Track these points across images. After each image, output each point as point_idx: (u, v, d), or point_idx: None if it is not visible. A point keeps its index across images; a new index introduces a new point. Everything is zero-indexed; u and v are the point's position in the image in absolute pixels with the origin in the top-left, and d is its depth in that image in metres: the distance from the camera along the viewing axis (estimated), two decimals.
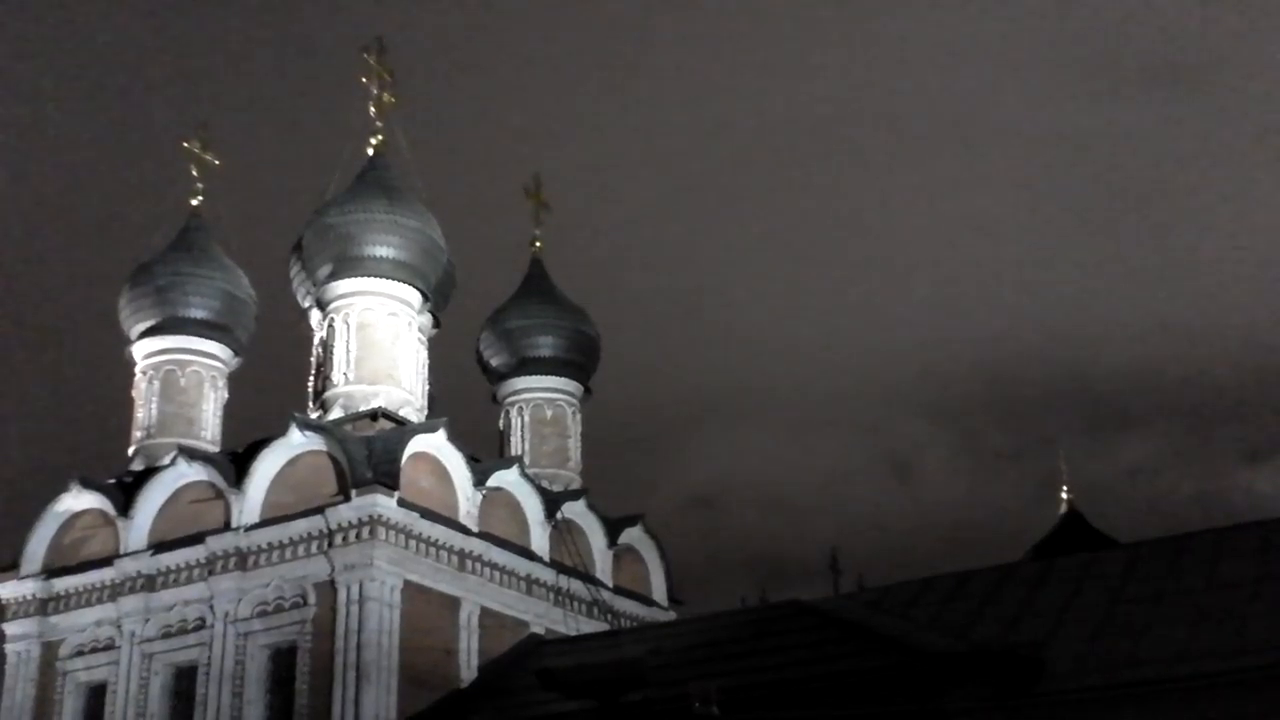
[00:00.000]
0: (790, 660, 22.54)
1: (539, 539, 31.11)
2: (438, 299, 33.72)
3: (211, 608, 28.59)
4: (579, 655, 24.99)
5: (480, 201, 54.24)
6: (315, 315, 33.09)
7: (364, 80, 34.34)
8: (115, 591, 30.03)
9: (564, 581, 31.25)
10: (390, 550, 27.29)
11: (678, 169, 72.79)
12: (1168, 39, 68.12)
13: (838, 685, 20.95)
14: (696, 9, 73.76)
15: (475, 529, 29.34)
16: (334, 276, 31.94)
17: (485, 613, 29.12)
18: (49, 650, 30.74)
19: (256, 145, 59.13)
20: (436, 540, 28.34)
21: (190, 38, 74.57)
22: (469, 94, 70.55)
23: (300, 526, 27.93)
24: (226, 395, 35.07)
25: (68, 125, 70.19)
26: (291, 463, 28.99)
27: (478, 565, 29.19)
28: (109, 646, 29.87)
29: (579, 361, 36.52)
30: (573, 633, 30.69)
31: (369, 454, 28.07)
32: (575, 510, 32.47)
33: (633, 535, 34.14)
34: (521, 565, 30.30)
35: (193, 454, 30.58)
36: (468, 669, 28.34)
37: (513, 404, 36.08)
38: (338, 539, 27.41)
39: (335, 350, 31.66)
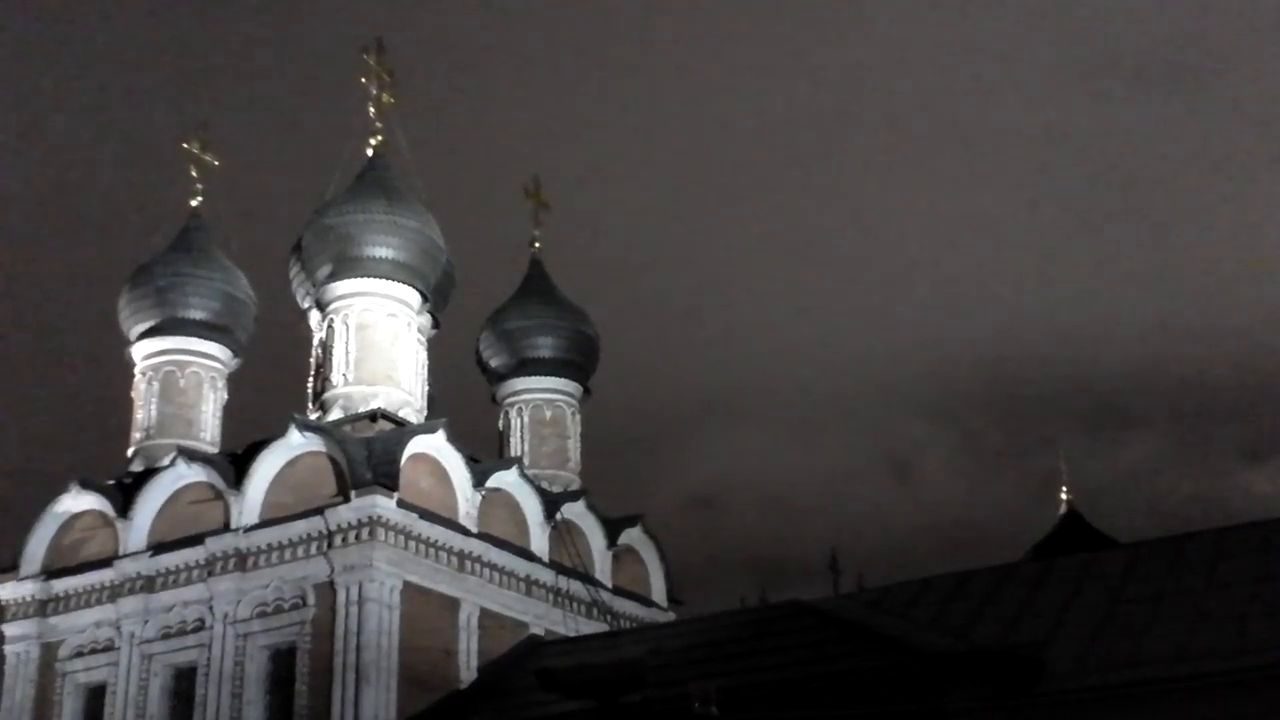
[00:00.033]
0: (790, 660, 22.53)
1: (538, 540, 31.10)
2: (437, 299, 33.70)
3: (211, 609, 28.58)
4: (579, 656, 24.97)
5: (480, 202, 54.32)
6: (314, 316, 33.08)
7: (363, 81, 34.33)
8: (115, 592, 30.01)
9: (563, 582, 31.24)
10: (390, 551, 27.28)
11: (677, 169, 72.86)
12: (1168, 39, 68.18)
13: (838, 685, 20.94)
14: (696, 9, 73.85)
15: (475, 530, 29.33)
16: (333, 277, 31.93)
17: (485, 613, 29.11)
18: (48, 651, 30.72)
19: (256, 146, 59.20)
20: (436, 541, 28.33)
21: (190, 38, 74.70)
22: (468, 94, 70.68)
23: (300, 527, 27.92)
24: (226, 396, 35.05)
25: (68, 126, 70.32)
26: (291, 464, 28.98)
27: (477, 566, 29.18)
28: (108, 648, 29.85)
29: (578, 362, 36.51)
30: (572, 633, 30.68)
31: (368, 455, 28.06)
32: (575, 511, 32.46)
33: (632, 536, 34.13)
34: (521, 566, 30.29)
35: (192, 455, 30.57)
36: (467, 670, 28.33)
37: (512, 405, 36.06)
38: (337, 540, 27.39)
39: (334, 351, 31.65)
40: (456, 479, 29.45)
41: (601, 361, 37.25)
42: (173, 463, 30.43)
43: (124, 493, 31.10)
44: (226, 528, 28.87)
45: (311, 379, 32.80)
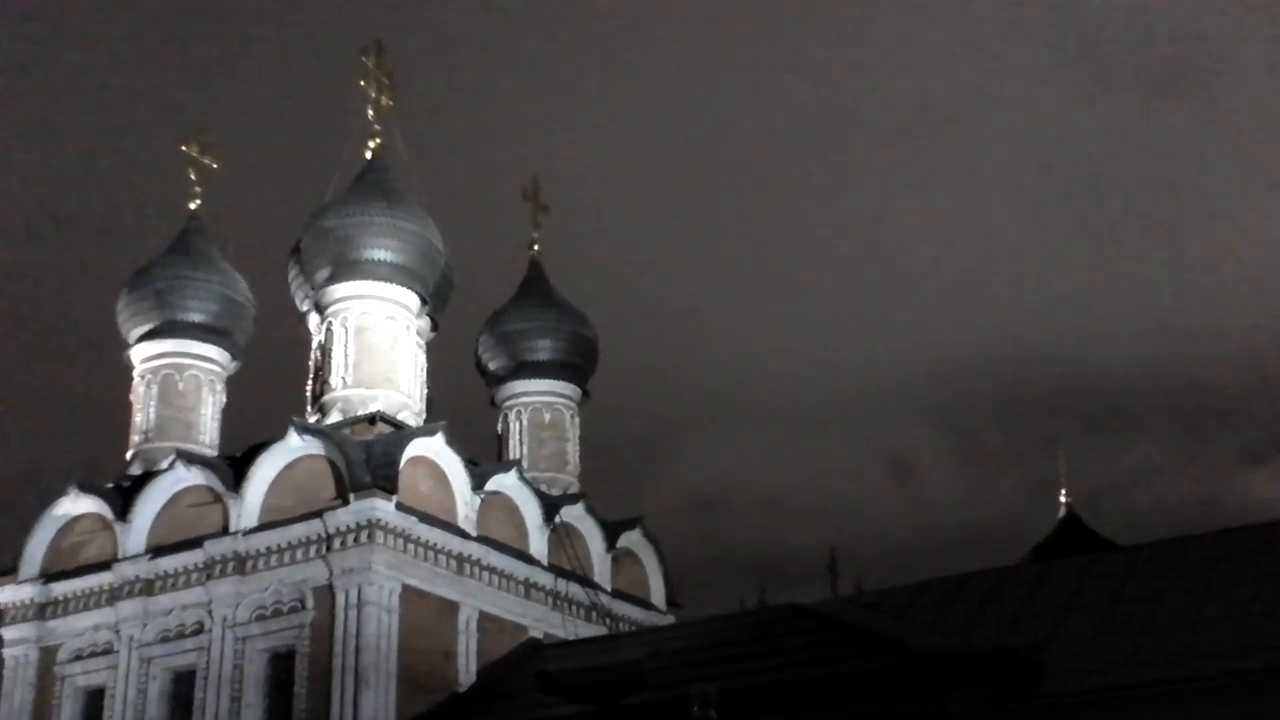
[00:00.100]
0: (789, 662, 22.52)
1: (537, 543, 31.08)
2: (436, 302, 33.69)
3: (210, 612, 28.56)
4: (578, 659, 24.99)
5: (479, 204, 54.26)
6: (313, 319, 33.07)
7: (362, 83, 34.32)
8: (113, 596, 29.99)
9: (562, 585, 31.23)
10: (389, 554, 27.26)
11: (676, 171, 72.79)
12: (1168, 40, 68.19)
13: (837, 687, 20.93)
14: (696, 9, 73.79)
15: (474, 533, 29.32)
16: (332, 280, 31.91)
17: (484, 616, 29.10)
18: (47, 655, 30.70)
19: (255, 148, 59.04)
20: (435, 544, 28.32)
21: (188, 41, 74.64)
22: (468, 96, 70.60)
23: (299, 531, 27.91)
24: (224, 399, 35.03)
25: (66, 128, 70.20)
26: (290, 467, 28.97)
27: (476, 569, 29.16)
28: (107, 651, 29.83)
29: (577, 364, 36.49)
30: (571, 636, 30.67)
31: (367, 458, 28.05)
32: (574, 514, 32.44)
33: (631, 538, 34.10)
34: (520, 569, 30.27)
35: (191, 458, 30.56)
36: (466, 673, 28.31)
37: (511, 407, 36.04)
38: (336, 543, 27.38)
39: (333, 354, 31.63)
40: (455, 482, 29.43)
41: (600, 364, 37.23)
42: (171, 466, 30.41)
43: (123, 496, 31.08)
44: (225, 531, 28.86)
45: (310, 382, 32.78)
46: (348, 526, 27.30)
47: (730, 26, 75.29)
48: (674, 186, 73.23)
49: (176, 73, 72.58)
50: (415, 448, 28.68)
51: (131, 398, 34.36)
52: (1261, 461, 70.82)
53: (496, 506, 30.40)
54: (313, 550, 27.67)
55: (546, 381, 35.94)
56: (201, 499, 29.80)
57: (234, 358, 35.25)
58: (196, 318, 34.44)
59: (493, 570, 29.57)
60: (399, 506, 27.56)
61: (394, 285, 31.96)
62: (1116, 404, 69.95)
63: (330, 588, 27.24)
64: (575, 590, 31.53)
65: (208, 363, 34.54)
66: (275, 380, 36.84)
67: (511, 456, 34.73)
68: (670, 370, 66.77)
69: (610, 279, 59.51)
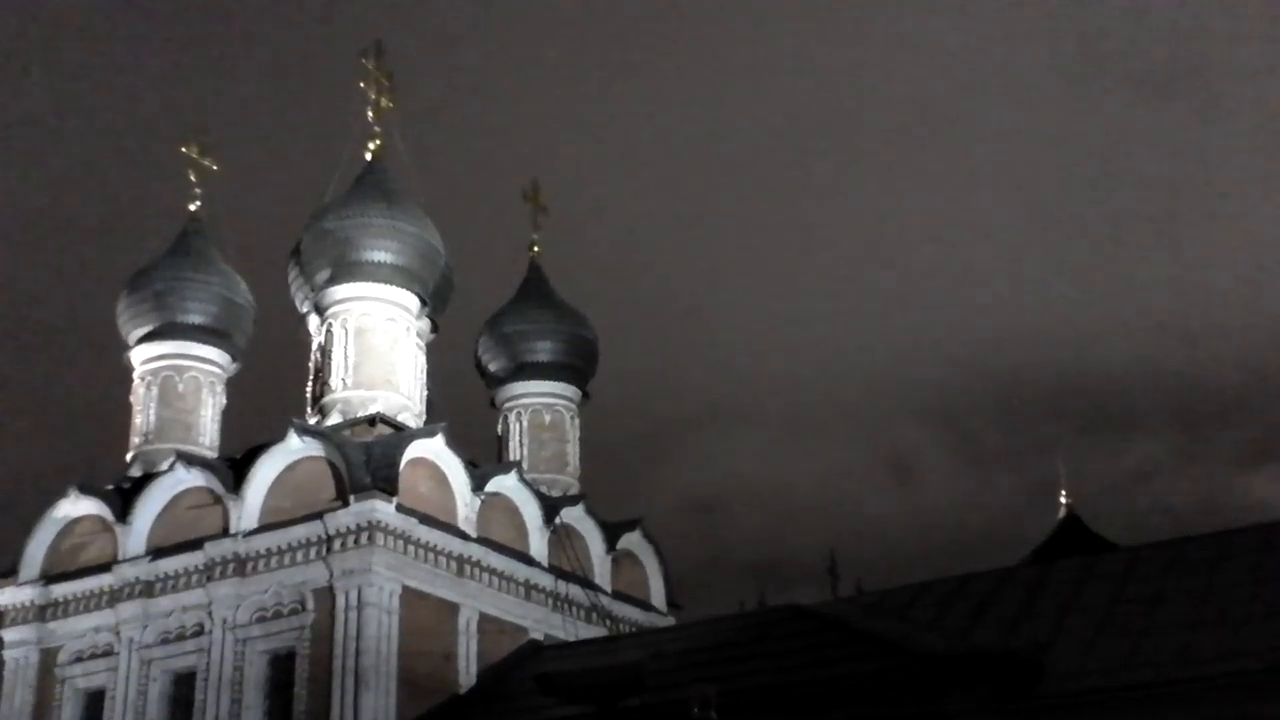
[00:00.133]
0: (789, 664, 22.52)
1: (537, 544, 31.08)
2: (436, 303, 33.69)
3: (210, 614, 28.56)
4: (577, 660, 25.01)
5: (478, 205, 54.35)
6: (313, 320, 33.05)
7: (362, 84, 34.33)
8: (114, 598, 29.98)
9: (562, 587, 31.22)
10: (389, 556, 27.26)
11: (677, 171, 72.87)
12: (1168, 41, 68.24)
13: (837, 689, 20.93)
14: (696, 10, 73.88)
15: (474, 534, 29.31)
16: (332, 281, 31.92)
17: (484, 618, 29.09)
18: (47, 657, 30.67)
19: (255, 150, 59.16)
20: (435, 546, 28.32)
21: (188, 42, 74.72)
22: (467, 98, 70.67)
23: (299, 532, 27.90)
24: (225, 401, 35.01)
25: (66, 130, 70.27)
26: (290, 468, 28.97)
27: (476, 571, 29.16)
28: (107, 653, 29.82)
29: (577, 366, 36.49)
30: (571, 638, 30.65)
31: (367, 459, 28.05)
32: (574, 515, 32.43)
33: (631, 540, 34.09)
34: (520, 570, 30.27)
35: (191, 460, 30.57)
36: (466, 674, 28.30)
37: (511, 409, 36.04)
38: (336, 544, 27.38)
39: (333, 355, 31.64)
40: (456, 483, 29.43)
41: (600, 365, 37.25)
42: (172, 467, 30.41)
43: (123, 498, 31.07)
44: (225, 533, 28.86)
45: (310, 383, 32.77)
46: (348, 528, 27.30)
47: (730, 26, 75.42)
48: (674, 187, 73.35)
49: (176, 74, 72.71)
50: (415, 449, 28.68)
51: (131, 399, 34.36)
52: (1261, 462, 70.86)
53: (497, 508, 30.40)
54: (313, 552, 27.67)
55: (546, 383, 35.95)
56: (202, 501, 29.81)
57: (234, 359, 35.25)
58: (196, 319, 34.44)
59: (493, 572, 29.57)
60: (399, 508, 27.56)
61: (394, 287, 31.97)
62: (1116, 404, 70.04)
63: (330, 589, 27.24)
64: (575, 592, 31.52)
65: (208, 364, 34.53)
66: (275, 382, 36.87)
67: (511, 458, 34.73)
68: (670, 371, 66.85)
69: (610, 280, 59.59)
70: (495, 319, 36.72)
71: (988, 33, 69.58)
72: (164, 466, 30.97)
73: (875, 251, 69.92)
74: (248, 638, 28.03)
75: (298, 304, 34.26)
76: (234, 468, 29.98)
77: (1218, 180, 67.23)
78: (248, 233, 38.50)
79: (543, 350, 36.05)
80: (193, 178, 36.72)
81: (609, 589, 32.81)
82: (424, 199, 33.48)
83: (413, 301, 32.36)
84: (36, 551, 31.43)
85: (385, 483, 27.53)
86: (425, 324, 33.50)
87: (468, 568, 28.97)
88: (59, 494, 31.63)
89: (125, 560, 29.99)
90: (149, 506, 30.31)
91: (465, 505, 29.39)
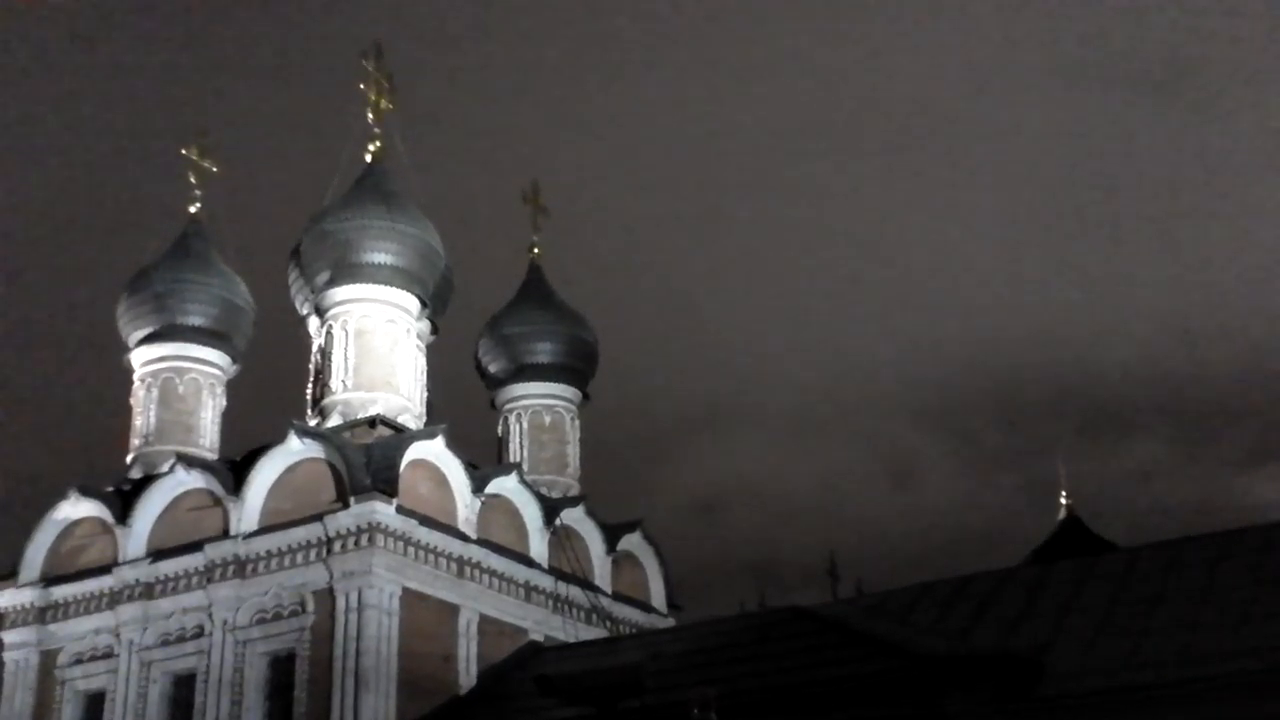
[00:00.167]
0: (789, 666, 22.50)
1: (538, 546, 31.07)
2: (436, 305, 33.70)
3: (210, 615, 28.55)
4: (577, 662, 25.02)
5: (478, 207, 54.37)
6: (313, 322, 33.06)
7: (362, 86, 34.36)
8: (114, 599, 29.97)
9: (563, 588, 31.22)
10: (389, 557, 27.26)
11: (676, 173, 72.93)
12: (1168, 41, 68.24)
13: (837, 690, 20.93)
14: (696, 11, 73.94)
15: (474, 536, 29.31)
16: (332, 283, 31.92)
17: (484, 619, 29.09)
18: (47, 658, 30.66)
19: (255, 151, 59.18)
20: (435, 547, 28.31)
21: (188, 42, 74.74)
22: (467, 99, 70.68)
23: (299, 534, 27.90)
24: (225, 402, 35.01)
25: (67, 132, 70.26)
26: (290, 470, 28.97)
27: (476, 572, 29.16)
28: (108, 655, 29.81)
29: (577, 367, 36.49)
30: (571, 639, 30.65)
31: (368, 461, 28.05)
32: (574, 517, 32.42)
33: (631, 541, 34.09)
34: (520, 572, 30.27)
35: (191, 461, 30.57)
36: (466, 676, 28.30)
37: (511, 410, 36.05)
38: (336, 546, 27.38)
39: (333, 357, 31.64)
40: (456, 485, 29.43)
41: (600, 366, 37.26)
42: (172, 469, 30.41)
43: (123, 499, 31.07)
44: (226, 534, 28.86)
45: (310, 385, 32.78)
46: (348, 530, 27.30)
47: (730, 26, 75.49)
48: (674, 187, 73.40)
49: (176, 74, 72.74)
50: (415, 451, 28.68)
51: (131, 401, 34.36)
52: (1261, 462, 70.88)
53: (497, 509, 30.40)
54: (313, 553, 27.66)
55: (546, 384, 35.95)
56: (202, 502, 29.80)
57: (234, 361, 35.25)
58: (196, 321, 34.44)
59: (493, 573, 29.57)
60: (399, 509, 27.56)
61: (394, 288, 31.98)
62: (1116, 404, 70.06)
63: (330, 591, 27.23)
64: (575, 593, 31.52)
65: (208, 366, 34.53)
66: (275, 383, 36.89)
67: (512, 459, 34.73)
68: (670, 372, 66.88)
69: (610, 281, 59.62)
70: (495, 320, 36.73)
71: (988, 33, 69.69)
72: (164, 468, 30.97)
73: (875, 251, 69.96)
74: (248, 639, 28.03)
75: (298, 306, 34.26)
76: (234, 469, 29.98)
77: (1218, 180, 67.30)
78: (248, 234, 38.56)
79: (543, 351, 36.05)
80: (193, 179, 36.76)
81: (609, 590, 32.81)
82: (424, 200, 33.58)
83: (413, 303, 32.36)
84: (36, 553, 31.42)
85: (385, 484, 27.53)
86: (425, 325, 33.51)
87: (468, 569, 28.97)
88: (59, 496, 31.62)
89: (125, 562, 29.99)
90: (149, 508, 30.31)
91: (465, 507, 29.39)
